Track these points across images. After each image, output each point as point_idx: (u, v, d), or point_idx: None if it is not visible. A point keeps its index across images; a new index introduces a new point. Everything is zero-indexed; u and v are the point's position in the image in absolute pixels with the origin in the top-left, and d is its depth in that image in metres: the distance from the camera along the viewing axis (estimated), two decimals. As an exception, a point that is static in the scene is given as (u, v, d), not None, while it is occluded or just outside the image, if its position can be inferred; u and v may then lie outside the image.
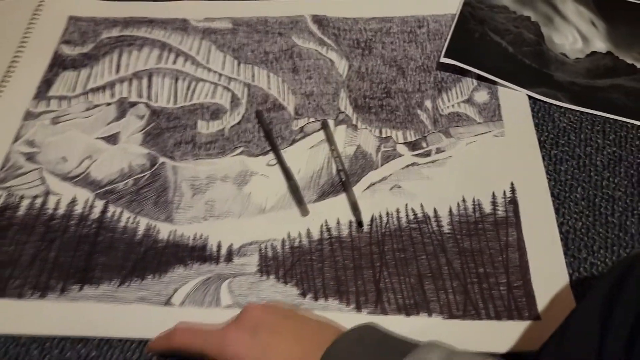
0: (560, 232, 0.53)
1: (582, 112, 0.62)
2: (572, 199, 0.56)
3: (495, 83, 0.64)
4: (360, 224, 0.54)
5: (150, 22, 0.71)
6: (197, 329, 0.45)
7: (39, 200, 0.56)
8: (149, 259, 0.52)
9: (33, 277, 0.51)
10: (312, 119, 0.62)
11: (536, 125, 0.61)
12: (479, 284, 0.50)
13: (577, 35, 0.69)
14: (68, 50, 0.69)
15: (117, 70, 0.66)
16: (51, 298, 0.50)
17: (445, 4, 0.71)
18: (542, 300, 0.49)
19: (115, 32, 0.70)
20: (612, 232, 0.53)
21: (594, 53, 0.67)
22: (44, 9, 0.73)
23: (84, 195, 0.57)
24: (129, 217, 0.55)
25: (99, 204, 0.56)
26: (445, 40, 0.67)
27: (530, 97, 0.63)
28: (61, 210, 0.55)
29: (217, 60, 0.67)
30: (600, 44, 0.68)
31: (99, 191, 0.57)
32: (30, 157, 0.59)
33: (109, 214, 0.55)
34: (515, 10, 0.70)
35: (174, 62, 0.67)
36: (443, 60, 0.64)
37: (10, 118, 0.62)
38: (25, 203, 0.56)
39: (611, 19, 0.70)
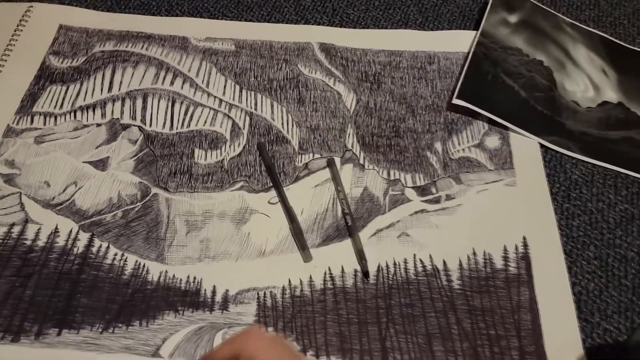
0: (573, 294, 0.51)
1: (594, 165, 0.60)
2: (585, 257, 0.54)
3: (506, 128, 0.62)
4: (366, 274, 0.50)
5: (148, 38, 0.67)
6: None
7: (16, 229, 0.51)
8: (136, 303, 0.48)
9: (5, 318, 0.46)
10: (317, 155, 0.58)
11: (548, 176, 0.59)
12: (490, 347, 0.47)
13: (588, 83, 0.68)
14: (57, 62, 0.64)
15: (110, 88, 0.62)
16: (25, 343, 0.45)
17: (457, 41, 0.69)
18: (556, 366, 0.46)
19: (109, 46, 0.66)
20: (625, 295, 0.51)
21: (605, 103, 0.66)
22: (33, 15, 0.68)
23: (67, 226, 0.52)
24: (115, 254, 0.51)
25: (84, 237, 0.51)
26: (456, 80, 0.65)
27: (541, 146, 0.61)
28: (41, 242, 0.51)
29: (217, 84, 0.64)
30: (611, 94, 0.67)
31: (83, 222, 0.52)
32: (9, 179, 0.54)
33: (94, 249, 0.51)
34: (528, 53, 0.68)
35: (171, 83, 0.63)
36: (455, 101, 0.61)
37: (-11, 134, 0.57)
38: (1, 231, 0.51)
39: (622, 68, 0.69)
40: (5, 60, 0.63)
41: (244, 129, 0.60)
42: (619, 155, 0.61)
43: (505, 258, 0.52)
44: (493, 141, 0.61)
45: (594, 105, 0.66)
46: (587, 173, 0.60)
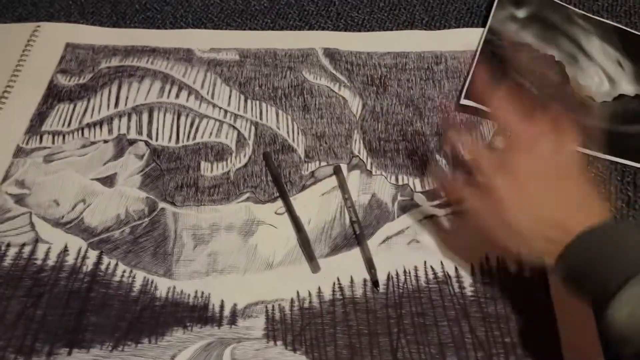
0: (592, 297, 0.49)
1: (611, 161, 0.58)
2: (604, 259, 0.52)
3: (518, 127, 0.60)
4: (376, 284, 0.50)
5: (152, 52, 0.67)
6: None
7: (27, 249, 0.52)
8: (145, 320, 0.48)
9: (17, 338, 0.47)
10: (323, 163, 0.58)
11: (562, 175, 0.57)
12: (506, 356, 0.46)
13: (603, 76, 0.65)
14: (64, 81, 0.65)
15: (116, 104, 0.62)
16: (36, 363, 0.46)
17: (465, 40, 0.68)
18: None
19: (115, 62, 0.66)
20: (647, 297, 0.49)
21: (621, 96, 0.64)
22: (40, 35, 0.69)
23: (76, 244, 0.52)
24: (124, 271, 0.51)
25: (92, 255, 0.52)
26: (464, 79, 0.64)
27: (555, 144, 0.59)
28: (51, 261, 0.51)
29: (222, 95, 0.63)
30: (627, 87, 0.65)
31: (92, 240, 0.53)
32: (19, 200, 0.55)
33: (102, 267, 0.51)
34: (538, 48, 0.66)
35: (177, 96, 0.63)
36: (463, 102, 0.60)
37: (0, 155, 0.58)
38: (12, 252, 0.52)
39: (639, 59, 0.67)
40: (15, 81, 0.64)
41: (249, 139, 0.60)
42: (638, 150, 0.59)
43: (520, 263, 0.51)
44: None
45: (610, 99, 0.64)
46: (604, 171, 0.58)
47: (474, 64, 0.63)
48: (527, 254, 0.42)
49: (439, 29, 0.70)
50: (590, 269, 0.38)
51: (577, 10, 0.71)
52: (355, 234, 0.53)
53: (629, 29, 0.69)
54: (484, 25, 0.68)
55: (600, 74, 0.66)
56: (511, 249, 0.44)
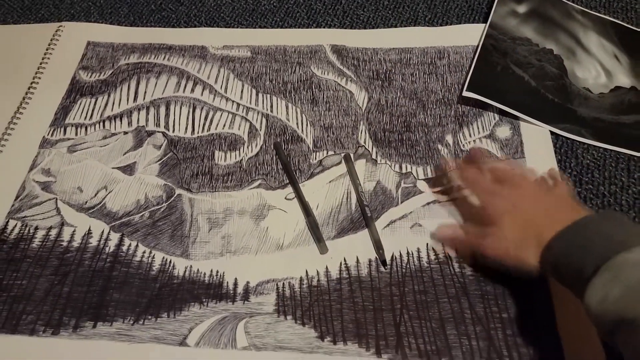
0: (586, 276, 0.51)
1: (605, 149, 0.61)
2: (598, 241, 0.54)
3: (517, 118, 0.62)
4: (384, 263, 0.52)
5: (169, 49, 0.71)
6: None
7: (53, 232, 0.55)
8: (164, 296, 0.51)
9: (46, 313, 0.50)
10: (330, 152, 0.61)
11: (559, 162, 0.60)
12: (503, 330, 0.49)
13: (600, 70, 0.68)
14: (86, 77, 0.68)
15: (135, 98, 0.66)
16: (64, 335, 0.49)
17: (466, 35, 0.70)
18: (570, 350, 0.47)
19: (133, 59, 0.70)
20: (639, 277, 0.52)
21: (617, 88, 0.66)
22: (63, 34, 0.73)
23: (99, 228, 0.56)
24: (144, 252, 0.54)
25: (114, 237, 0.55)
26: (466, 73, 0.66)
27: (552, 133, 0.62)
28: (76, 243, 0.55)
29: (235, 89, 0.67)
30: (624, 79, 0.67)
31: (114, 223, 0.56)
32: (45, 187, 0.59)
33: (124, 248, 0.54)
34: (537, 42, 0.69)
35: (192, 91, 0.67)
36: (465, 94, 0.63)
37: (27, 145, 0.62)
38: (40, 234, 0.55)
39: (634, 53, 0.69)
40: (40, 78, 0.68)
41: (260, 130, 0.63)
42: (632, 138, 0.61)
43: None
44: (504, 131, 0.62)
45: (606, 90, 0.66)
46: (598, 157, 0.60)
47: (476, 58, 0.66)
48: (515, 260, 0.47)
49: (441, 26, 0.72)
50: (567, 261, 0.42)
51: (575, 6, 0.73)
52: (365, 217, 0.55)
53: (625, 24, 0.72)
54: (484, 21, 0.71)
55: (598, 67, 0.68)
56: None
